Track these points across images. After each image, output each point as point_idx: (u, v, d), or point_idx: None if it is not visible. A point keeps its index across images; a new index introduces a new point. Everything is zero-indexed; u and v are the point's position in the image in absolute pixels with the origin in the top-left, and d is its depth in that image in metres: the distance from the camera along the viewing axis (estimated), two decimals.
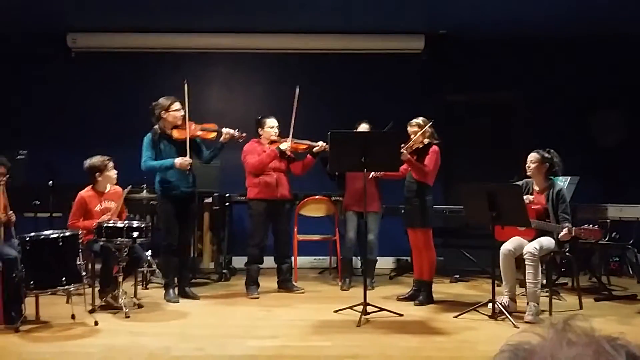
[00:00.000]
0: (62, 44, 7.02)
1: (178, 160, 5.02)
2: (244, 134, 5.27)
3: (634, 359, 0.64)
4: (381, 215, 5.82)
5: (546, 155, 4.83)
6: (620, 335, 0.68)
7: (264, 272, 5.66)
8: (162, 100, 5.11)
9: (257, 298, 5.30)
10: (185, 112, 5.10)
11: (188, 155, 5.05)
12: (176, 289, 5.22)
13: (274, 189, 5.40)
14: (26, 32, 6.92)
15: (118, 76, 7.20)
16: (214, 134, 5.22)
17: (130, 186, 5.08)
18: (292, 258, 5.71)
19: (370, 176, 5.29)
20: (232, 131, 5.17)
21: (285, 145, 5.38)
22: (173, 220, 5.15)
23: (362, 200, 4.95)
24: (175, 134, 5.08)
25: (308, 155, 5.52)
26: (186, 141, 5.04)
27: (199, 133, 5.17)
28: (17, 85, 7.14)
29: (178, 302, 5.07)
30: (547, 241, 4.65)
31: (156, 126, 5.13)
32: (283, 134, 5.54)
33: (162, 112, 5.08)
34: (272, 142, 5.49)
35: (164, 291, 5.21)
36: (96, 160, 4.93)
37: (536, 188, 4.87)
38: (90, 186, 4.96)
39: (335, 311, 4.69)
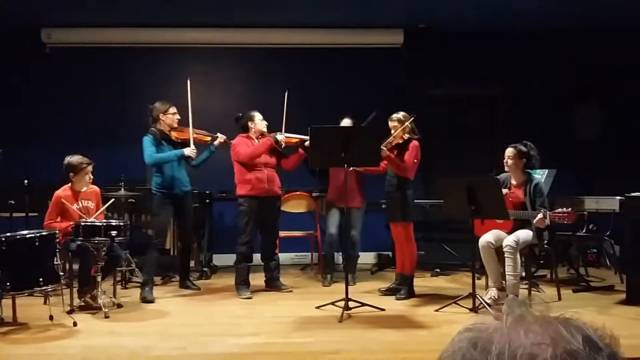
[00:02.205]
0: (36, 40, 6.89)
1: (187, 150, 5.25)
2: (231, 140, 5.46)
3: (589, 342, 0.65)
4: (364, 211, 5.82)
5: (523, 149, 4.87)
6: (574, 316, 0.68)
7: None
8: (159, 104, 5.37)
9: (250, 298, 5.20)
10: (188, 108, 5.27)
11: (192, 145, 5.27)
12: (153, 288, 5.24)
13: (266, 186, 5.33)
14: None
15: (95, 72, 7.09)
16: (209, 138, 5.46)
17: (113, 199, 5.05)
18: (278, 255, 5.68)
19: (351, 169, 5.29)
20: (225, 137, 5.43)
21: (281, 136, 5.34)
22: (168, 221, 5.38)
23: (344, 196, 4.94)
24: (174, 134, 5.34)
25: (299, 149, 5.45)
26: (189, 137, 5.28)
27: (196, 135, 5.38)
28: None
29: (153, 301, 5.06)
30: (525, 233, 4.71)
31: (153, 128, 5.32)
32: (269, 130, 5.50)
33: (160, 114, 5.32)
34: (262, 135, 5.44)
35: (141, 289, 5.19)
36: (75, 159, 4.83)
37: (514, 182, 4.91)
38: (68, 185, 4.87)
39: (317, 307, 4.68)
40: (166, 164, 5.29)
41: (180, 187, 5.36)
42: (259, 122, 5.43)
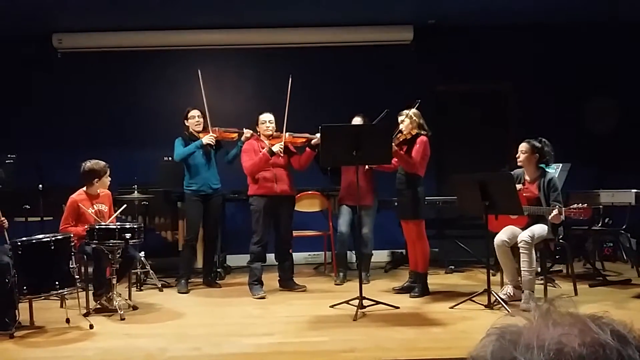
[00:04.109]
0: (47, 45, 6.95)
1: (205, 138, 5.51)
2: (257, 134, 5.60)
3: (618, 336, 0.65)
4: (376, 209, 5.79)
5: (537, 144, 4.82)
6: (605, 314, 0.69)
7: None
8: (187, 110, 5.76)
9: (264, 298, 5.21)
10: (203, 99, 5.53)
11: (210, 132, 5.55)
12: (188, 281, 5.69)
13: (273, 184, 5.34)
14: (10, 33, 6.83)
15: (106, 76, 7.14)
16: (235, 135, 5.64)
17: (125, 205, 5.12)
18: (292, 254, 5.69)
19: (367, 168, 5.29)
20: (251, 131, 5.53)
21: (277, 148, 5.34)
22: (198, 218, 5.62)
23: (355, 194, 4.93)
24: (201, 135, 5.62)
25: (307, 149, 5.43)
26: (216, 136, 5.59)
27: (222, 134, 5.64)
28: (3, 87, 7.04)
29: (188, 292, 5.50)
30: (540, 228, 4.67)
31: (185, 132, 5.71)
32: (280, 127, 5.51)
33: (184, 119, 5.73)
34: (270, 136, 5.46)
35: (177, 281, 5.64)
36: (98, 165, 4.91)
37: (527, 178, 4.87)
38: (83, 189, 4.92)
39: (331, 306, 4.68)
40: (196, 164, 5.58)
41: (209, 184, 5.64)
42: (262, 126, 5.49)
